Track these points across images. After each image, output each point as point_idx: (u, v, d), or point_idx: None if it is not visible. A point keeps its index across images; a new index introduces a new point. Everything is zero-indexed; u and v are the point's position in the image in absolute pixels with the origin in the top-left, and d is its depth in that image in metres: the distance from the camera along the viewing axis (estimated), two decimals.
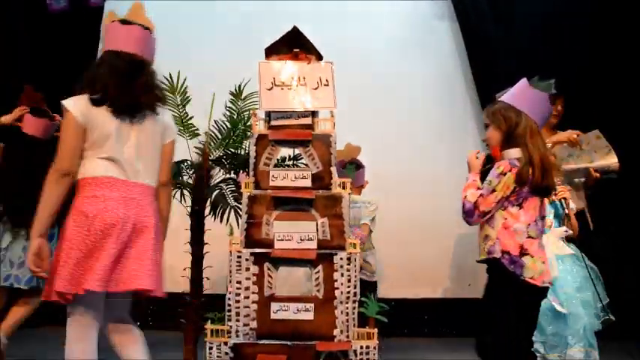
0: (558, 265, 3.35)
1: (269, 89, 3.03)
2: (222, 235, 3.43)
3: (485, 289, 2.63)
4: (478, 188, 2.53)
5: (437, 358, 4.51)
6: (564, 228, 3.48)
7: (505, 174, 2.48)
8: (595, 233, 4.02)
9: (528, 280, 2.46)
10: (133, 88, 2.28)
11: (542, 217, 2.62)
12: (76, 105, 2.23)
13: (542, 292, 2.57)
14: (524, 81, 2.68)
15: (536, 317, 2.67)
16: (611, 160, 3.93)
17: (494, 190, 2.48)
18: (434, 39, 6.04)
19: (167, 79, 3.57)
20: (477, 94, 5.86)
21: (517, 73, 4.60)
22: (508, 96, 2.67)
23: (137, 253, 2.24)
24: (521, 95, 2.64)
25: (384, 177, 5.46)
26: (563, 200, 3.43)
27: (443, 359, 4.47)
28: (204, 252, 3.57)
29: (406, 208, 5.40)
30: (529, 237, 2.49)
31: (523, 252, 2.48)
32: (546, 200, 3.34)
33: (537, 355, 3.34)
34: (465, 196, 2.53)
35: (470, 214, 2.51)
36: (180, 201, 3.67)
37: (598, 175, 3.87)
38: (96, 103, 2.23)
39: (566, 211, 3.46)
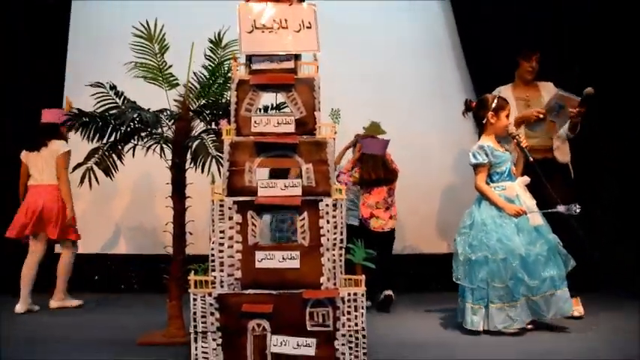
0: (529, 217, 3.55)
1: (249, 32, 2.91)
2: (205, 190, 3.35)
3: None
4: None
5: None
6: (525, 177, 3.69)
7: None
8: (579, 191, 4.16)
9: None
10: None
11: None
12: None
13: None
14: None
15: None
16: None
17: None
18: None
19: (144, 25, 3.43)
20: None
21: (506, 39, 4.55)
22: None
23: None
24: None
25: None
26: (525, 148, 3.67)
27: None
28: (186, 206, 3.48)
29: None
30: None
31: None
32: (505, 149, 3.74)
33: (524, 297, 3.42)
34: None
35: None
36: (161, 156, 3.56)
37: (575, 110, 3.98)
38: None
39: (530, 159, 3.64)
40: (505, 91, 4.31)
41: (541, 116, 4.06)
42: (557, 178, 4.05)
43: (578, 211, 3.45)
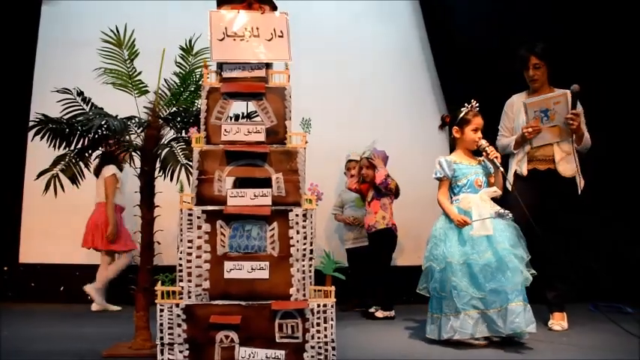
0: (493, 223, 3.51)
1: (220, 40, 2.89)
2: (175, 199, 3.30)
3: None
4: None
5: None
6: (494, 188, 3.69)
7: None
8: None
9: None
10: None
11: None
12: None
13: None
14: None
15: None
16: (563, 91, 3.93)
17: None
18: (392, 6, 6.01)
19: (113, 31, 3.37)
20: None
21: (476, 45, 4.56)
22: None
23: None
24: None
25: (338, 144, 5.45)
26: (495, 159, 3.64)
27: None
28: (154, 215, 3.41)
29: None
30: None
31: None
32: (479, 161, 3.75)
33: (477, 310, 3.39)
34: None
35: None
36: (130, 163, 3.49)
37: (568, 116, 3.85)
38: None
39: (501, 170, 3.68)
40: (517, 98, 4.21)
41: (530, 130, 3.94)
42: (560, 191, 3.99)
43: (510, 216, 3.53)
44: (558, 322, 4.00)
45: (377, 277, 4.81)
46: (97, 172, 5.17)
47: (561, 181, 4.03)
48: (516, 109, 4.18)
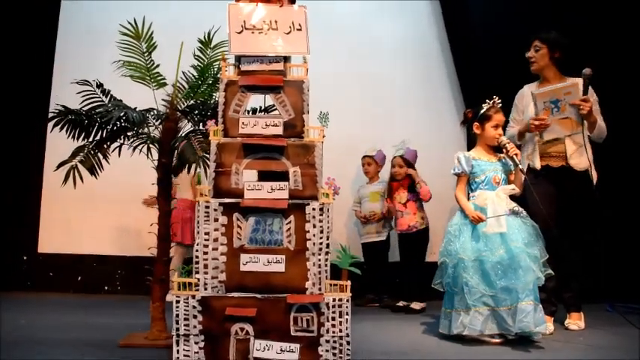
0: (508, 221, 3.50)
1: (239, 33, 2.88)
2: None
3: None
4: None
5: None
6: (512, 186, 3.66)
7: None
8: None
9: None
10: None
11: None
12: None
13: None
14: None
15: None
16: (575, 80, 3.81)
17: None
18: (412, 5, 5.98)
19: (131, 24, 3.39)
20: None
21: (494, 38, 4.47)
22: None
23: None
24: None
25: (356, 138, 5.45)
26: (515, 156, 3.61)
27: None
28: (171, 207, 3.43)
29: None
30: None
31: None
32: (496, 157, 3.73)
33: (487, 308, 3.38)
34: None
35: None
36: (147, 156, 3.52)
37: (579, 101, 3.71)
38: None
39: (520, 167, 3.62)
40: (527, 89, 4.09)
41: (537, 123, 3.79)
42: (575, 187, 3.88)
43: (524, 214, 3.53)
44: (575, 321, 3.96)
45: (410, 272, 4.87)
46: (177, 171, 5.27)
47: (575, 175, 3.89)
48: (526, 102, 4.06)
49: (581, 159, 3.87)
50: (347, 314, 2.70)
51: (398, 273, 5.07)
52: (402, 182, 5.02)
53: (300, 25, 2.91)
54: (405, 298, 4.83)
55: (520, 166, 3.62)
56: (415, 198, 4.96)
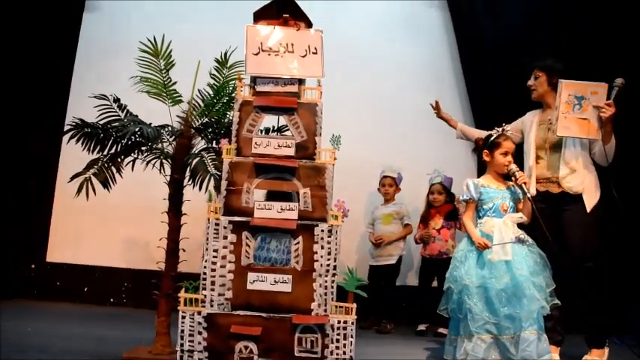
0: (514, 249, 3.47)
1: (255, 54, 2.95)
2: (202, 208, 3.33)
3: None
4: None
5: None
6: (519, 214, 3.65)
7: None
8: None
9: None
10: None
11: None
12: None
13: None
14: None
15: None
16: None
17: None
18: (423, 24, 6.03)
19: (150, 41, 3.46)
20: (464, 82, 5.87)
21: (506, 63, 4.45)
22: None
23: None
24: None
25: (367, 163, 5.46)
26: (523, 185, 3.60)
27: None
28: (181, 222, 3.46)
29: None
30: None
31: None
32: (505, 185, 3.70)
33: (490, 335, 3.35)
34: None
35: None
36: (160, 171, 3.56)
37: (602, 104, 3.57)
38: None
39: (528, 196, 3.60)
40: (530, 114, 4.09)
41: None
42: (571, 212, 3.78)
43: (530, 242, 3.49)
44: (593, 358, 3.76)
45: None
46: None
47: (571, 198, 3.78)
48: (526, 127, 4.05)
49: (573, 183, 3.79)
50: (352, 337, 2.71)
51: (414, 297, 5.06)
52: (439, 209, 5.05)
53: (315, 48, 2.97)
54: (425, 321, 4.85)
55: (529, 195, 3.61)
56: (449, 226, 4.99)
